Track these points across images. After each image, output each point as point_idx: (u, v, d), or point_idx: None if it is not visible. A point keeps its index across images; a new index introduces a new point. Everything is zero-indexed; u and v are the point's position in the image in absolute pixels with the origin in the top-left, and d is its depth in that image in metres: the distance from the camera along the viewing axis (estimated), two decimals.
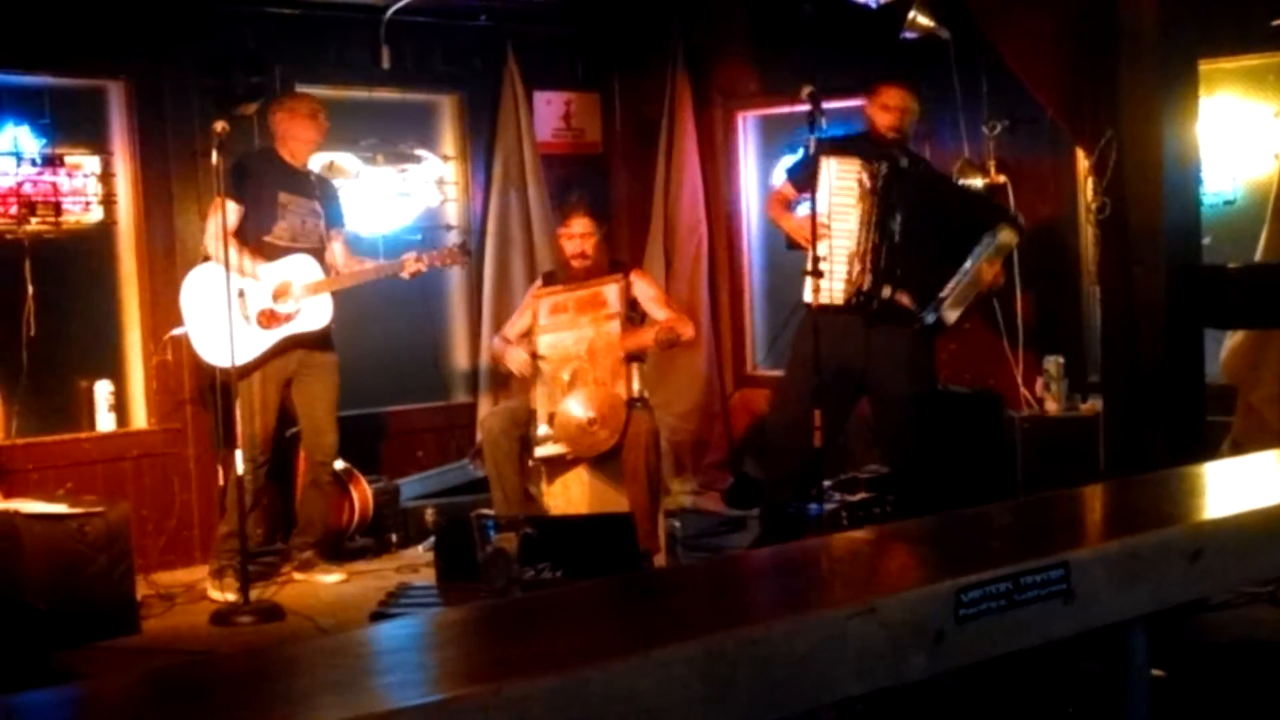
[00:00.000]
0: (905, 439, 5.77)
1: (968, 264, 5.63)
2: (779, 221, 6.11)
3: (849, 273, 5.65)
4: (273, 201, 6.02)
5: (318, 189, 6.23)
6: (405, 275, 6.21)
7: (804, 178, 5.78)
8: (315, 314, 6.08)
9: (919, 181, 5.71)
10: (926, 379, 5.86)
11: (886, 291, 5.57)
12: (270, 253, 6.00)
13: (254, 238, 5.99)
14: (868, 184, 5.65)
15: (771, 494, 6.01)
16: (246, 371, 5.90)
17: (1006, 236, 5.69)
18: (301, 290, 6.02)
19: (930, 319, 5.62)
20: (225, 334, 5.68)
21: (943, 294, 5.61)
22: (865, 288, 5.58)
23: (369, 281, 6.21)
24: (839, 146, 5.81)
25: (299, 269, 6.06)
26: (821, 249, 5.51)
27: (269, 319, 5.99)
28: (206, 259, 6.00)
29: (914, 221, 5.61)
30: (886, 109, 5.80)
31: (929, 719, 3.75)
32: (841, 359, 5.53)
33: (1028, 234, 6.76)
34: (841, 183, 5.69)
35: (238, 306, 5.81)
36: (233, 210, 5.86)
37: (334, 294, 6.11)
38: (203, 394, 6.49)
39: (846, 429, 6.06)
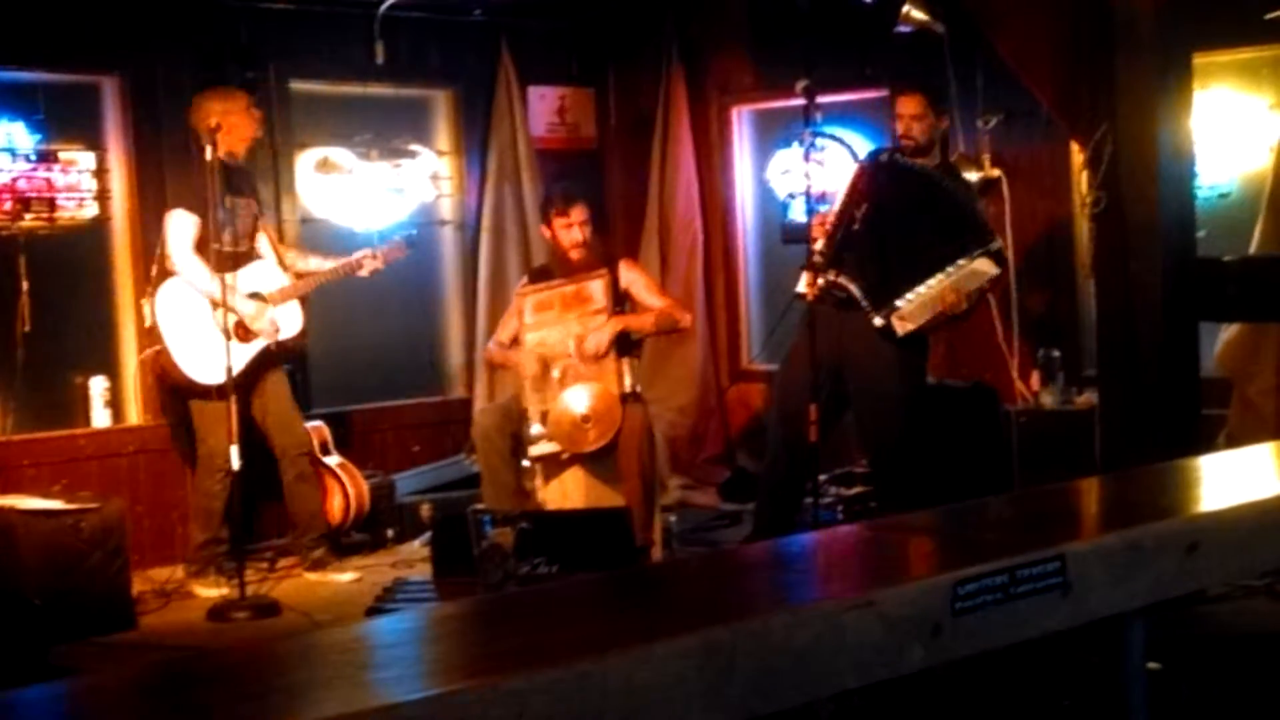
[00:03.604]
0: (883, 435, 5.72)
1: (933, 280, 5.48)
2: None
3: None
4: (219, 208, 5.83)
5: (249, 183, 6.15)
6: (365, 274, 6.19)
7: None
8: (287, 322, 6.04)
9: (899, 178, 5.61)
10: (908, 376, 5.70)
11: (831, 275, 5.54)
12: (219, 262, 5.82)
13: (203, 248, 5.87)
14: (852, 177, 5.64)
15: (766, 488, 5.99)
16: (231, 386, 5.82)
17: (982, 266, 5.49)
18: (276, 299, 5.98)
19: (878, 322, 5.53)
20: (208, 349, 5.65)
21: (899, 302, 5.50)
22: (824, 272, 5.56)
23: (336, 281, 6.18)
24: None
25: (263, 278, 6.01)
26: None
27: (245, 331, 5.95)
28: (164, 275, 5.91)
29: (879, 216, 5.55)
30: (895, 118, 5.74)
31: (927, 711, 3.75)
32: (827, 352, 5.50)
33: (1028, 234, 6.77)
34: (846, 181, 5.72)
35: (215, 321, 5.78)
36: (195, 224, 5.82)
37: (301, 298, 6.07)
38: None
39: (843, 423, 6.04)
